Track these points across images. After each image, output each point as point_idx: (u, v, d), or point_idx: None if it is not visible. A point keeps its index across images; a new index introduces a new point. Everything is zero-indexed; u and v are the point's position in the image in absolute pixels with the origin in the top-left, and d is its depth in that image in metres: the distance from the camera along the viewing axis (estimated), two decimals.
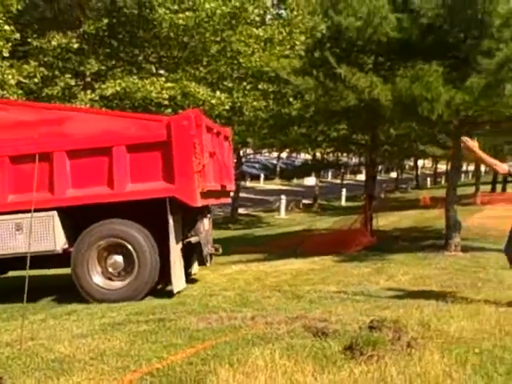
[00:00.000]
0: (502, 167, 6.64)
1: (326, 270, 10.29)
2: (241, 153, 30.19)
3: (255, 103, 17.76)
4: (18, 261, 7.88)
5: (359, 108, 12.23)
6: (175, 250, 8.03)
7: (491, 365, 4.45)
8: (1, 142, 8.22)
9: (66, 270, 9.33)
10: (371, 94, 10.78)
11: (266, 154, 51.53)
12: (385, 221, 18.98)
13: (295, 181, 52.28)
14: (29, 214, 7.53)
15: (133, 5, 16.26)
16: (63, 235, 8.14)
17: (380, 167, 53.25)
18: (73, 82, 15.66)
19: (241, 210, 28.96)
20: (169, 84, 15.51)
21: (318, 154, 35.15)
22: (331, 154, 39.49)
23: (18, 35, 13.37)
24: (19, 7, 13.43)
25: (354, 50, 12.50)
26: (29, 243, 7.25)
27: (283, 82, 15.85)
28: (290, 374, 4.27)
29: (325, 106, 13.16)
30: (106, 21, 15.44)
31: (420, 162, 58.83)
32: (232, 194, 10.21)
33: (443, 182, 49.51)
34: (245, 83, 17.94)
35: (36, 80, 14.35)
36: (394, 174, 61.24)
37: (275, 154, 54.21)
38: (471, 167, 55.51)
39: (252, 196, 28.94)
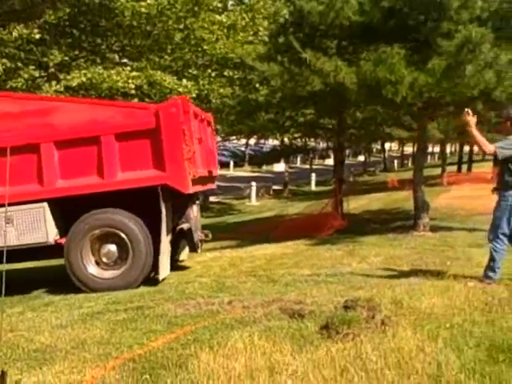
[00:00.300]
0: (489, 148, 6.66)
1: (300, 254, 10.39)
2: None
3: (221, 90, 17.77)
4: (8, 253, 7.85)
5: (325, 92, 12.28)
6: (165, 237, 8.06)
7: (461, 338, 4.63)
8: None
9: (40, 263, 9.34)
10: (336, 78, 10.83)
11: (235, 142, 51.46)
12: (355, 204, 19.22)
13: (265, 167, 52.41)
14: (19, 207, 7.56)
15: None
16: (55, 226, 8.10)
17: (348, 151, 53.51)
18: (37, 74, 15.50)
19: (212, 198, 28.94)
20: (134, 73, 15.43)
21: (286, 140, 35.23)
22: (299, 140, 39.58)
23: None
24: None
25: (318, 35, 12.49)
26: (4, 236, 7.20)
27: (248, 69, 15.83)
28: (268, 355, 4.38)
29: (291, 92, 13.20)
30: (67, 10, 15.26)
31: (387, 145, 59.34)
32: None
33: (410, 164, 50.04)
34: (210, 70, 17.92)
35: None
36: (361, 158, 61.74)
37: (244, 141, 54.20)
38: (437, 149, 56.22)
39: (222, 184, 28.90)
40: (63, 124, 8.14)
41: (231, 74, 18.25)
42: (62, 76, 15.39)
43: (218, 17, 17.04)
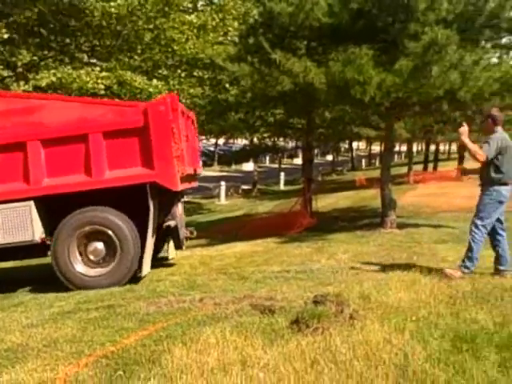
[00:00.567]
0: (483, 158, 6.75)
1: (269, 252, 10.49)
2: None
3: (191, 90, 17.80)
4: None
5: (295, 92, 12.39)
6: (151, 235, 8.08)
7: (427, 330, 4.77)
8: None
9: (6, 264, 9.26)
10: (306, 79, 10.96)
11: (204, 141, 51.41)
12: (323, 202, 19.39)
13: (234, 166, 52.46)
14: (5, 205, 7.52)
15: None
16: (41, 225, 8.04)
17: (316, 150, 53.95)
18: (5, 73, 15.32)
19: None
20: (104, 73, 15.36)
21: (256, 139, 35.35)
22: (268, 139, 39.76)
23: None
24: None
25: (287, 36, 12.61)
26: None
27: (219, 69, 15.88)
28: (240, 349, 4.46)
29: (261, 92, 13.29)
30: (35, 10, 15.12)
31: (355, 144, 59.94)
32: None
33: (377, 163, 50.60)
34: (180, 71, 17.94)
35: None
36: (330, 157, 62.19)
37: (213, 141, 54.19)
38: (404, 148, 56.91)
39: None
40: (51, 122, 8.08)
41: (201, 74, 18.29)
42: (30, 76, 15.24)
43: (188, 17, 17.01)
